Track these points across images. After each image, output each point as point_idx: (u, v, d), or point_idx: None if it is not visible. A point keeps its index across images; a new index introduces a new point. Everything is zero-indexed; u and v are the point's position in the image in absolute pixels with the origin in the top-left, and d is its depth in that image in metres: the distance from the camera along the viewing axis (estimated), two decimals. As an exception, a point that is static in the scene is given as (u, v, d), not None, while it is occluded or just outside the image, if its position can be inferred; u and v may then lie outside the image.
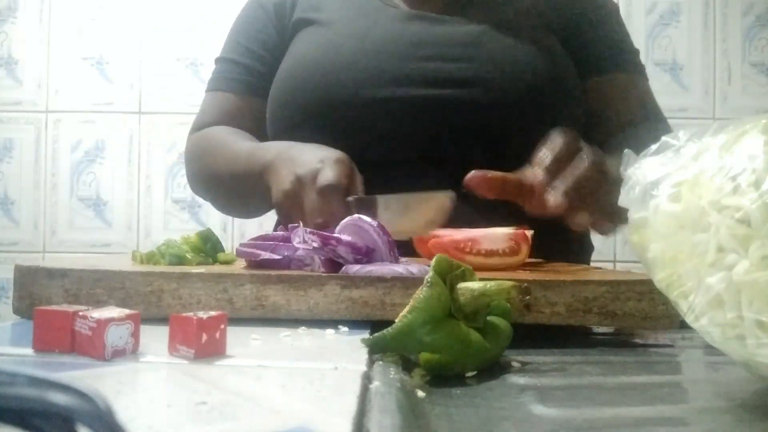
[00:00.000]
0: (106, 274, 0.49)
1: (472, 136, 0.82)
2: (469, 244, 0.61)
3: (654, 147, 0.38)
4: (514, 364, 0.41)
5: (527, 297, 0.38)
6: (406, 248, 0.68)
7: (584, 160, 0.63)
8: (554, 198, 0.61)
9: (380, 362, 0.38)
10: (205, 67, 1.65)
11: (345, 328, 0.47)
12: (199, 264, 0.59)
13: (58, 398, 0.18)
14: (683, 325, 0.38)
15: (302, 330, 0.47)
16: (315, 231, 0.53)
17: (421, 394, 0.33)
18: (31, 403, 0.18)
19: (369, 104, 0.81)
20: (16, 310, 0.50)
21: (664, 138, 0.38)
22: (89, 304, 0.45)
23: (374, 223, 0.54)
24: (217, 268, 0.55)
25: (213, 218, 1.65)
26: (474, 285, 0.39)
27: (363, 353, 0.39)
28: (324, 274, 0.50)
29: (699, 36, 1.69)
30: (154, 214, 1.69)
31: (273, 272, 0.50)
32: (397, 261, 0.54)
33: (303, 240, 0.53)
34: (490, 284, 0.38)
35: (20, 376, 0.19)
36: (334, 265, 0.53)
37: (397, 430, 0.26)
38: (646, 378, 0.39)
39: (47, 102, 1.70)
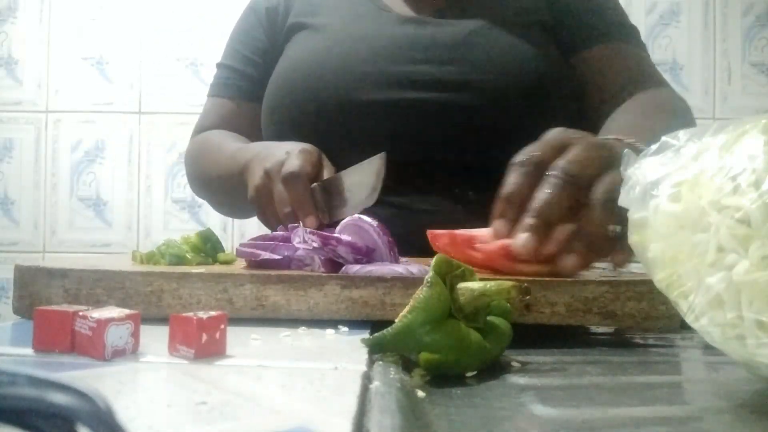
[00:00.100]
0: (106, 274, 0.49)
1: (463, 139, 0.82)
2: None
3: (654, 147, 0.38)
4: (514, 364, 0.41)
5: (527, 297, 0.38)
6: (406, 248, 0.68)
7: (551, 178, 0.49)
8: (518, 247, 0.48)
9: (380, 362, 0.38)
10: (205, 67, 1.65)
11: (345, 328, 0.47)
12: (199, 264, 0.59)
13: (58, 398, 0.18)
14: (683, 325, 0.38)
15: (302, 330, 0.47)
16: (315, 231, 0.53)
17: (421, 394, 0.33)
18: (31, 403, 0.18)
19: (360, 108, 0.82)
20: (16, 310, 0.50)
21: (664, 138, 0.38)
22: (89, 304, 0.45)
23: (374, 223, 0.54)
24: (217, 268, 0.55)
25: (213, 218, 1.65)
26: (474, 285, 0.39)
27: (363, 353, 0.39)
28: (324, 274, 0.50)
29: (699, 36, 1.69)
30: (154, 214, 1.69)
31: (273, 272, 0.50)
32: (397, 261, 0.54)
33: (303, 240, 0.53)
34: (490, 284, 0.38)
35: (20, 376, 0.19)
36: (334, 265, 0.53)
37: (397, 430, 0.26)
38: (646, 378, 0.39)
39: (47, 102, 1.70)
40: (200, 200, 1.64)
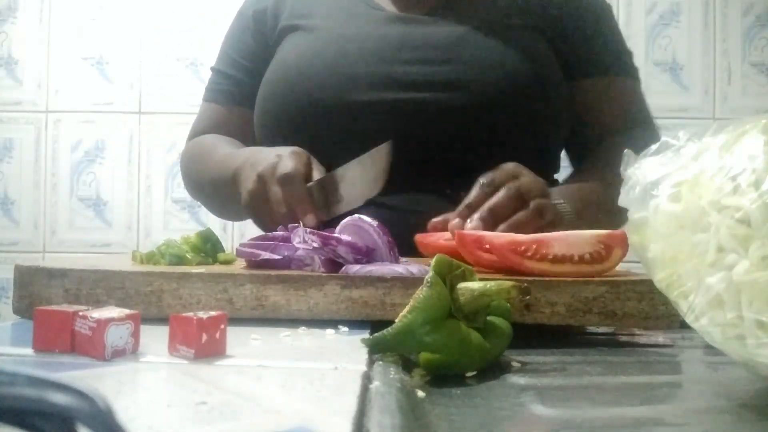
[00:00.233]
0: (106, 274, 0.49)
1: (455, 139, 0.82)
2: (534, 247, 0.52)
3: (654, 147, 0.38)
4: (514, 364, 0.41)
5: (527, 297, 0.38)
6: (406, 248, 0.68)
7: (504, 191, 0.66)
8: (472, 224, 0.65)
9: (380, 362, 0.38)
10: (205, 67, 1.65)
11: (345, 328, 0.47)
12: (199, 264, 0.59)
13: (58, 398, 0.18)
14: (683, 325, 0.38)
15: (302, 330, 0.47)
16: (315, 231, 0.53)
17: (421, 394, 0.33)
18: (31, 403, 0.18)
19: (352, 108, 0.82)
20: (16, 310, 0.50)
21: (664, 138, 0.38)
22: (89, 304, 0.45)
23: (374, 223, 0.54)
24: (217, 268, 0.55)
25: (213, 218, 1.64)
26: (474, 285, 0.39)
27: (363, 353, 0.39)
28: (324, 274, 0.50)
29: (699, 36, 1.69)
30: (154, 214, 1.69)
31: (273, 272, 0.50)
32: (397, 261, 0.54)
33: (303, 240, 0.53)
34: (490, 284, 0.38)
35: (20, 376, 0.19)
36: (334, 265, 0.53)
37: (397, 430, 0.26)
38: (646, 378, 0.39)
39: (47, 102, 1.70)
40: (200, 200, 1.64)
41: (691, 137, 0.36)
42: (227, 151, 0.88)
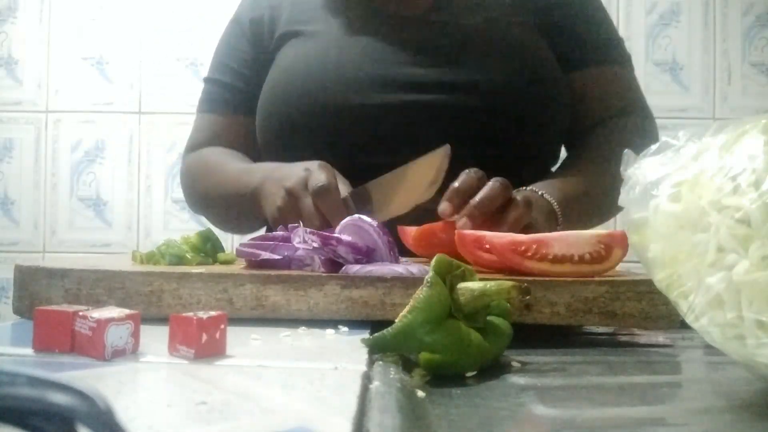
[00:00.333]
0: (106, 274, 0.49)
1: (459, 139, 0.82)
2: (534, 247, 0.52)
3: (654, 147, 0.38)
4: (514, 364, 0.41)
5: (527, 297, 0.38)
6: (406, 248, 0.68)
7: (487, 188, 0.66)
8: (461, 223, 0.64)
9: (380, 362, 0.38)
10: (205, 67, 1.64)
11: (345, 328, 0.47)
12: (199, 264, 0.59)
13: (58, 398, 0.18)
14: (683, 325, 0.38)
15: (302, 330, 0.47)
16: (315, 231, 0.53)
17: (421, 394, 0.33)
18: (31, 403, 0.18)
19: (356, 110, 0.82)
20: (16, 310, 0.50)
21: (664, 138, 0.38)
22: (89, 304, 0.45)
23: (374, 223, 0.54)
24: (217, 268, 0.55)
25: (213, 218, 1.65)
26: (474, 285, 0.39)
27: (363, 353, 0.39)
28: (324, 274, 0.50)
29: (699, 36, 1.69)
30: (154, 214, 1.69)
31: (273, 272, 0.50)
32: (397, 261, 0.54)
33: (303, 240, 0.53)
34: (490, 284, 0.38)
35: (20, 376, 0.19)
36: (334, 265, 0.53)
37: (397, 430, 0.26)
38: (646, 378, 0.39)
39: (47, 102, 1.70)
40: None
41: (691, 137, 0.36)
42: (241, 167, 0.88)
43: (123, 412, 0.22)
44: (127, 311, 0.38)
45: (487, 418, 0.30)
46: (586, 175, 0.83)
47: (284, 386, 0.32)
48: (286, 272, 0.51)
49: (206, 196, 0.94)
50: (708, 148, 0.34)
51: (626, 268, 0.60)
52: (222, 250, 0.64)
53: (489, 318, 0.40)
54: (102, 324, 0.36)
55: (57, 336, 0.38)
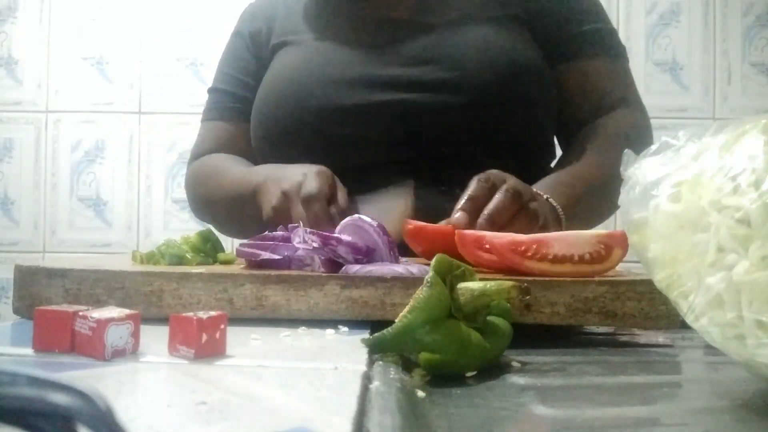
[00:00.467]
0: (106, 274, 0.49)
1: (446, 136, 0.82)
2: (534, 247, 0.52)
3: (654, 147, 0.38)
4: (514, 364, 0.41)
5: (527, 297, 0.38)
6: (406, 248, 0.68)
7: (499, 195, 0.66)
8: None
9: (380, 362, 0.38)
10: (205, 67, 1.65)
11: (345, 328, 0.47)
12: (199, 264, 0.59)
13: (58, 398, 0.18)
14: (683, 325, 0.38)
15: (302, 330, 0.47)
16: (315, 231, 0.53)
17: (421, 394, 0.33)
18: (31, 403, 0.18)
19: (341, 112, 0.83)
20: (16, 310, 0.50)
21: (664, 138, 0.38)
22: (89, 304, 0.45)
23: (374, 223, 0.54)
24: (217, 268, 0.55)
25: (213, 218, 1.65)
26: (474, 285, 0.39)
27: (363, 353, 0.39)
28: (324, 274, 0.50)
29: (699, 36, 1.69)
30: (154, 214, 1.69)
31: (273, 272, 0.50)
32: (397, 261, 0.54)
33: (303, 240, 0.53)
34: (490, 284, 0.38)
35: (20, 376, 0.19)
36: (334, 265, 0.53)
37: (397, 430, 0.26)
38: (646, 378, 0.39)
39: (47, 102, 1.70)
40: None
41: (691, 137, 0.36)
42: (243, 169, 0.89)
43: (123, 412, 0.22)
44: (127, 311, 0.38)
45: (487, 418, 0.30)
46: (586, 174, 0.83)
47: (284, 386, 0.32)
48: (286, 272, 0.51)
49: (210, 199, 0.94)
50: (708, 148, 0.34)
51: (626, 268, 0.60)
52: (222, 250, 0.64)
53: (489, 318, 0.40)
54: (102, 324, 0.36)
55: (57, 336, 0.37)
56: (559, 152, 0.96)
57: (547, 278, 0.49)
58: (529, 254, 0.52)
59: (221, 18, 1.61)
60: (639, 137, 0.88)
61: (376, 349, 0.39)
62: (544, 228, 0.69)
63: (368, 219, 0.55)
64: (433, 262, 0.39)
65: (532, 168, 0.84)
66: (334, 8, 0.93)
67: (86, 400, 0.18)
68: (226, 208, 0.91)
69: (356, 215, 0.56)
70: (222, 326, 0.38)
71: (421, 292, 0.37)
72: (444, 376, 0.37)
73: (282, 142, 0.87)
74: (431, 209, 0.71)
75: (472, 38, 0.85)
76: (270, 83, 0.91)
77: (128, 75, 1.70)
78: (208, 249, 0.62)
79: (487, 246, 0.55)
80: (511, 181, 0.68)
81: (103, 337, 0.36)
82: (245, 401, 0.29)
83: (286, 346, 0.42)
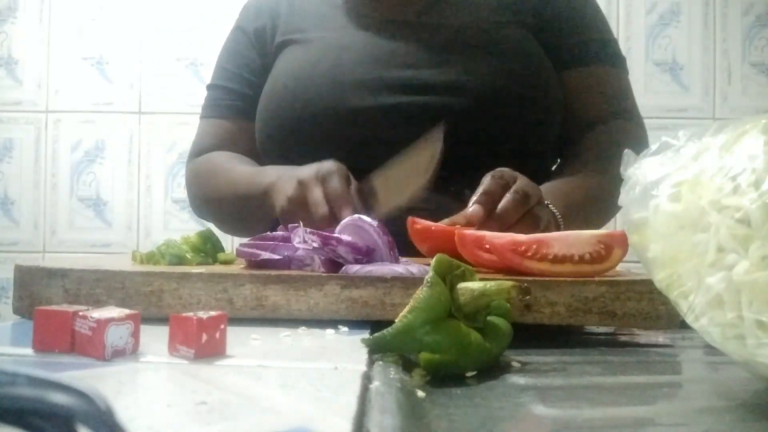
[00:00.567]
0: (106, 274, 0.49)
1: (453, 139, 0.82)
2: (534, 247, 0.52)
3: (654, 147, 0.38)
4: (514, 364, 0.41)
5: (527, 297, 0.38)
6: (407, 248, 0.68)
7: (511, 195, 0.68)
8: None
9: (380, 362, 0.38)
10: (205, 67, 1.65)
11: (345, 328, 0.47)
12: (199, 264, 0.59)
13: (58, 398, 0.18)
14: (683, 325, 0.38)
15: (302, 330, 0.47)
16: (315, 231, 0.53)
17: (421, 394, 0.33)
18: (31, 403, 0.18)
19: (349, 114, 0.83)
20: (16, 310, 0.50)
21: (664, 138, 0.38)
22: (89, 304, 0.45)
23: (374, 223, 0.54)
24: (217, 268, 0.55)
25: (213, 218, 1.65)
26: (474, 285, 0.39)
27: (363, 353, 0.39)
28: (324, 274, 0.50)
29: (699, 36, 1.69)
30: (154, 214, 1.69)
31: (273, 272, 0.50)
32: (397, 261, 0.54)
33: (303, 240, 0.53)
34: (490, 284, 0.38)
35: (20, 376, 0.19)
36: (334, 265, 0.53)
37: (397, 430, 0.26)
38: (646, 378, 0.39)
39: (47, 102, 1.70)
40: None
41: (691, 137, 0.36)
42: (252, 169, 0.89)
43: (123, 412, 0.22)
44: (127, 311, 0.38)
45: (487, 418, 0.30)
46: (584, 183, 0.84)
47: (284, 386, 0.32)
48: (286, 272, 0.51)
49: (213, 198, 0.94)
50: (708, 148, 0.34)
51: (626, 268, 0.60)
52: (222, 250, 0.64)
53: (489, 318, 0.40)
54: (102, 324, 0.36)
55: (57, 336, 0.37)
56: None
57: (547, 278, 0.49)
58: (529, 254, 0.52)
59: (221, 18, 1.61)
60: (637, 150, 0.89)
61: (376, 349, 0.39)
62: (544, 232, 0.69)
63: (368, 219, 0.55)
64: (433, 262, 0.39)
65: (538, 172, 0.84)
66: (340, 7, 0.93)
67: (86, 400, 0.18)
68: (232, 207, 0.91)
69: (356, 215, 0.56)
70: (222, 326, 0.38)
71: (421, 292, 0.37)
72: (444, 376, 0.37)
73: (288, 142, 0.86)
74: (439, 210, 0.71)
75: (484, 43, 0.85)
76: (276, 82, 0.90)
77: (128, 75, 1.70)
78: (208, 249, 0.62)
79: (487, 246, 0.55)
80: (522, 181, 0.69)
81: (103, 337, 0.36)
82: (245, 401, 0.29)
83: (286, 346, 0.42)
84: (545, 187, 0.79)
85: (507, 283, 0.38)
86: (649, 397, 0.35)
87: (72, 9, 1.71)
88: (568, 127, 0.92)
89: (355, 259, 0.52)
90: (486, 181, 0.68)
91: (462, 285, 0.39)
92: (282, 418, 0.27)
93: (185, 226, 1.65)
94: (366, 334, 0.41)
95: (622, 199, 0.39)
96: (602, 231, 0.54)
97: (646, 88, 1.64)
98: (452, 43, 0.85)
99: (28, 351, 0.38)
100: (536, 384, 0.36)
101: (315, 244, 0.52)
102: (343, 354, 0.39)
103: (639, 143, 0.91)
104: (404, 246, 0.67)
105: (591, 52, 0.92)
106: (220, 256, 0.62)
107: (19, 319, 0.50)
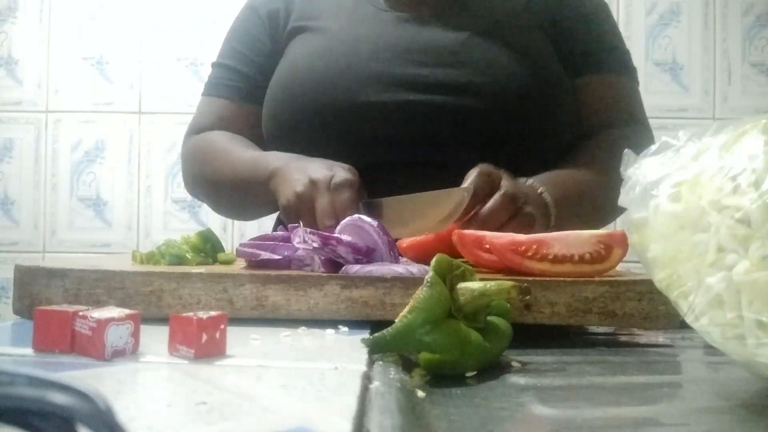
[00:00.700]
0: (106, 274, 0.49)
1: (463, 141, 0.82)
2: (534, 247, 0.52)
3: (654, 147, 0.38)
4: (514, 364, 0.41)
5: (527, 297, 0.38)
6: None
7: (498, 196, 0.67)
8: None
9: (380, 362, 0.38)
10: (205, 67, 1.65)
11: (345, 328, 0.47)
12: (199, 264, 0.59)
13: (58, 398, 0.18)
14: (683, 325, 0.38)
15: (302, 330, 0.47)
16: (315, 231, 0.53)
17: (421, 394, 0.33)
18: (31, 403, 0.18)
19: (362, 108, 0.82)
20: (16, 310, 0.50)
21: (664, 138, 0.38)
22: (89, 304, 0.45)
23: (374, 223, 0.54)
24: (217, 268, 0.55)
25: (213, 218, 1.65)
26: (474, 285, 0.39)
27: (363, 353, 0.39)
28: (324, 274, 0.50)
29: (699, 36, 1.69)
30: (154, 214, 1.69)
31: (273, 272, 0.50)
32: (397, 261, 0.54)
33: (303, 240, 0.53)
34: (490, 284, 0.38)
35: (20, 376, 0.19)
36: (334, 265, 0.53)
37: (397, 430, 0.26)
38: (646, 378, 0.39)
39: (47, 102, 1.70)
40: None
41: (691, 137, 0.36)
42: (255, 153, 0.87)
43: (123, 412, 0.22)
44: (127, 311, 0.38)
45: (487, 418, 0.30)
46: (583, 178, 0.83)
47: (284, 386, 0.32)
48: (286, 272, 0.51)
49: (212, 179, 0.92)
50: (708, 148, 0.34)
51: (626, 268, 0.60)
52: (222, 250, 0.64)
53: (489, 318, 0.40)
54: (102, 324, 0.36)
55: (57, 336, 0.37)
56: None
57: (547, 278, 0.49)
58: (529, 254, 0.52)
59: (221, 18, 1.61)
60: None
61: (376, 349, 0.39)
62: (533, 229, 0.69)
63: (368, 219, 0.55)
64: (433, 262, 0.39)
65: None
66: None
67: (86, 400, 0.18)
68: (231, 190, 0.89)
69: (356, 215, 0.56)
70: (222, 326, 0.38)
71: (421, 292, 0.37)
72: (444, 376, 0.37)
73: (297, 132, 0.85)
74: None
75: (501, 45, 0.85)
76: (288, 70, 0.89)
77: (128, 75, 1.70)
78: (208, 249, 0.62)
79: (487, 246, 0.55)
80: (507, 184, 0.68)
81: (103, 337, 0.36)
82: (245, 401, 0.29)
83: (286, 346, 0.42)
84: (542, 176, 0.79)
85: (507, 283, 0.38)
86: (649, 397, 0.35)
87: (72, 9, 1.70)
88: (577, 133, 0.92)
89: (355, 259, 0.52)
90: (473, 177, 0.67)
91: (462, 285, 0.39)
92: (282, 418, 0.27)
93: (185, 226, 1.65)
94: (366, 334, 0.41)
95: (622, 199, 0.39)
96: (602, 231, 0.54)
97: (646, 88, 1.64)
98: (468, 44, 0.85)
99: (28, 351, 0.38)
100: (536, 384, 0.36)
101: (315, 244, 0.52)
102: (343, 354, 0.39)
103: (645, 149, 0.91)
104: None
105: (603, 60, 0.93)
106: (220, 256, 0.62)
107: (19, 319, 0.50)
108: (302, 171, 0.74)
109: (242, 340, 0.42)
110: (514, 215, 0.67)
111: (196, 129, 0.97)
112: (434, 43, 0.85)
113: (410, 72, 0.83)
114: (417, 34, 0.86)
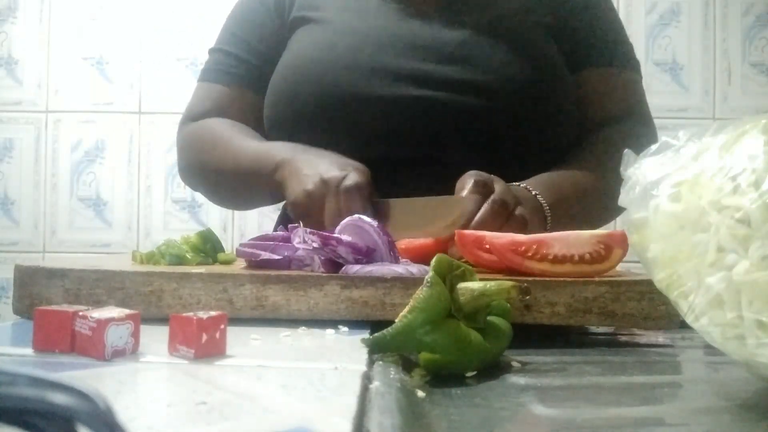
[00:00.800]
0: (106, 274, 0.49)
1: (465, 138, 0.82)
2: (534, 247, 0.52)
3: (654, 147, 0.38)
4: (514, 364, 0.41)
5: (527, 297, 0.38)
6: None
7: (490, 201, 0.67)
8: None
9: (380, 362, 0.38)
10: (205, 67, 1.65)
11: (345, 328, 0.47)
12: (199, 264, 0.59)
13: (58, 398, 0.18)
14: (683, 325, 0.38)
15: (302, 330, 0.47)
16: (315, 231, 0.53)
17: (421, 394, 0.33)
18: (31, 403, 0.18)
19: (365, 102, 0.82)
20: (16, 310, 0.50)
21: (664, 138, 0.38)
22: (89, 304, 0.45)
23: (374, 223, 0.54)
24: (217, 268, 0.55)
25: (213, 218, 1.65)
26: (474, 285, 0.39)
27: (363, 353, 0.39)
28: (324, 274, 0.50)
29: (699, 36, 1.69)
30: (154, 214, 1.69)
31: (273, 272, 0.50)
32: (397, 261, 0.54)
33: (303, 240, 0.53)
34: (490, 284, 0.38)
35: (20, 376, 0.19)
36: (334, 265, 0.53)
37: (397, 430, 0.26)
38: (646, 378, 0.39)
39: (47, 102, 1.70)
40: (200, 200, 1.64)
41: (691, 137, 0.36)
42: (261, 143, 0.86)
43: (123, 412, 0.22)
44: (127, 311, 0.38)
45: (487, 418, 0.30)
46: (580, 178, 0.83)
47: (284, 386, 0.32)
48: (286, 272, 0.51)
49: (211, 168, 0.90)
50: (708, 148, 0.34)
51: (626, 268, 0.60)
52: (222, 250, 0.64)
53: (489, 318, 0.40)
54: (102, 324, 0.36)
55: (57, 336, 0.37)
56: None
57: (547, 278, 0.49)
58: (529, 254, 0.52)
59: (221, 18, 1.61)
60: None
61: (376, 349, 0.39)
62: (526, 231, 0.69)
63: (368, 219, 0.55)
64: (433, 262, 0.39)
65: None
66: None
67: (86, 400, 0.18)
68: (232, 180, 0.88)
69: (356, 215, 0.56)
70: (222, 326, 0.38)
71: (421, 292, 0.37)
72: (444, 376, 0.37)
73: (299, 124, 0.84)
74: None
75: (504, 42, 0.85)
76: (291, 61, 0.88)
77: (128, 75, 1.70)
78: (208, 249, 0.62)
79: (487, 246, 0.55)
80: (499, 189, 0.68)
81: (103, 337, 0.36)
82: (245, 401, 0.29)
83: (286, 346, 0.42)
84: (536, 178, 0.79)
85: (507, 283, 0.38)
86: (649, 397, 0.35)
87: (72, 9, 1.70)
88: (581, 125, 0.91)
89: (355, 259, 0.52)
90: (468, 184, 0.67)
91: (462, 285, 0.39)
92: (282, 418, 0.27)
93: (185, 226, 1.65)
94: (366, 334, 0.41)
95: (622, 199, 0.39)
96: (602, 231, 0.54)
97: (647, 88, 1.63)
98: (472, 40, 0.85)
99: (28, 351, 0.38)
100: (536, 384, 0.36)
101: (315, 244, 0.52)
102: (343, 354, 0.39)
103: (646, 145, 0.90)
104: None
105: (606, 53, 0.92)
106: (220, 256, 0.62)
107: (19, 319, 0.50)
108: (313, 167, 0.73)
109: (242, 340, 0.42)
110: (506, 220, 0.67)
111: (193, 115, 0.95)
112: (438, 38, 0.85)
113: (414, 67, 0.82)
114: (421, 28, 0.86)
